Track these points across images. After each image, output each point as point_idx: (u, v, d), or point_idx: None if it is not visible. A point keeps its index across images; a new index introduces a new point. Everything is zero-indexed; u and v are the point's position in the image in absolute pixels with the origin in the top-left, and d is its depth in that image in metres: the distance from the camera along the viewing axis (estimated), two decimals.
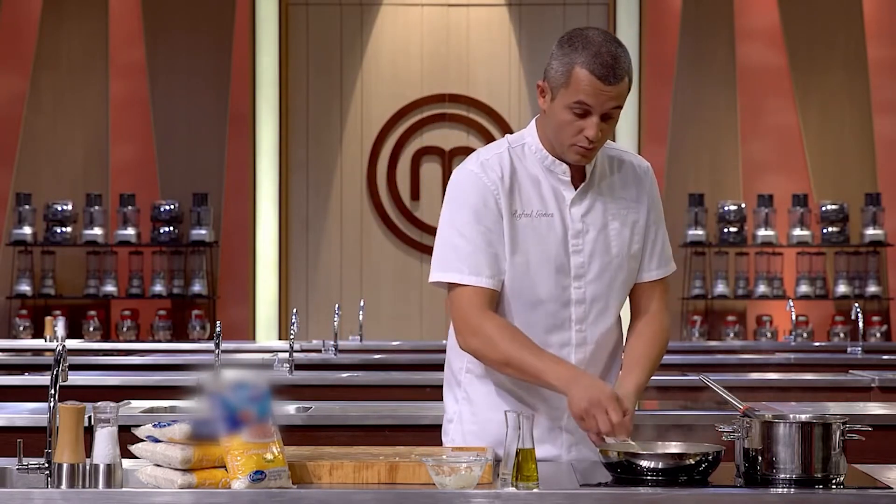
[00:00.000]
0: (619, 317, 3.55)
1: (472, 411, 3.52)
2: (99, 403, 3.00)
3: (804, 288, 12.09)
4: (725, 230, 12.12)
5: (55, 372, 3.16)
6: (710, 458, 3.08)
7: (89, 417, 3.12)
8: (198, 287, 12.11)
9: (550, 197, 3.44)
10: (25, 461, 3.12)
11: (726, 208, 12.10)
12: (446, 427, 3.58)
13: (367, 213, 12.54)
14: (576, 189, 3.46)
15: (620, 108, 3.35)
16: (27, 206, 11.99)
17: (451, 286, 3.42)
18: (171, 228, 12.06)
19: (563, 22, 12.44)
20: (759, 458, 3.08)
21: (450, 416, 3.57)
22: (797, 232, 12.07)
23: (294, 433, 4.11)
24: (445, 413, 3.60)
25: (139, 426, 3.05)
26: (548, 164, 3.45)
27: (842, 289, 12.14)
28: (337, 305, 8.58)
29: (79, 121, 12.32)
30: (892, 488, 3.01)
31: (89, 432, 2.99)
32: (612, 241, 3.47)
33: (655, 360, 3.50)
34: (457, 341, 3.46)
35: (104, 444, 2.99)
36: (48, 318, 9.61)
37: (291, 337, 6.77)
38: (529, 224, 3.42)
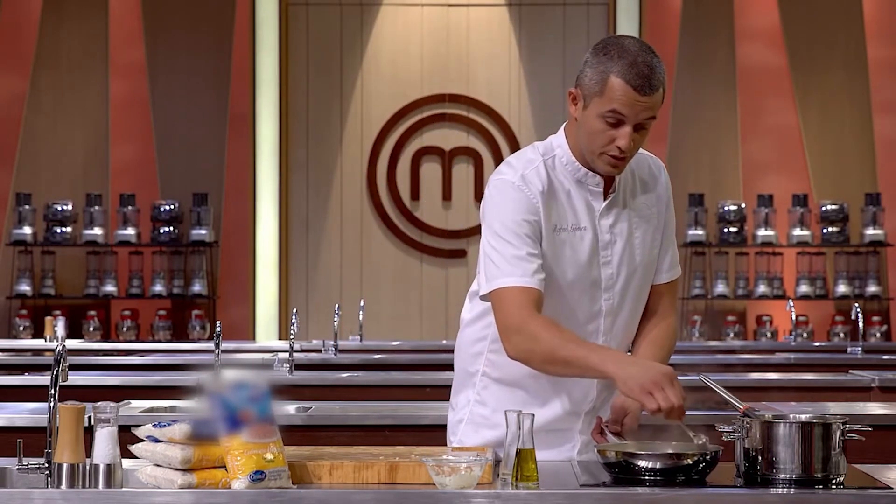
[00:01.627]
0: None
1: (483, 414, 3.51)
2: (99, 403, 2.99)
3: (804, 288, 12.09)
4: (725, 230, 12.12)
5: (55, 372, 3.16)
6: (708, 458, 3.08)
7: (89, 417, 3.12)
8: (198, 287, 12.10)
9: (582, 209, 3.41)
10: (25, 461, 3.12)
11: (726, 208, 12.09)
12: (454, 427, 3.57)
13: (367, 213, 12.54)
14: (604, 199, 3.43)
15: (654, 118, 3.31)
16: (27, 206, 11.99)
17: (495, 292, 3.34)
18: (171, 228, 12.05)
19: (563, 22, 12.44)
20: (759, 458, 3.07)
21: (460, 416, 3.56)
22: (797, 232, 12.07)
23: (294, 433, 4.10)
24: (455, 413, 3.58)
25: (139, 426, 3.05)
26: (580, 176, 3.41)
27: (842, 289, 12.14)
28: (337, 305, 8.58)
29: (79, 121, 12.31)
30: (892, 488, 3.01)
31: (89, 432, 2.99)
32: (636, 249, 3.46)
33: (665, 361, 3.49)
34: (504, 350, 3.35)
35: (104, 444, 2.98)
36: (48, 318, 9.60)
37: (291, 337, 6.77)
38: (567, 239, 3.39)
